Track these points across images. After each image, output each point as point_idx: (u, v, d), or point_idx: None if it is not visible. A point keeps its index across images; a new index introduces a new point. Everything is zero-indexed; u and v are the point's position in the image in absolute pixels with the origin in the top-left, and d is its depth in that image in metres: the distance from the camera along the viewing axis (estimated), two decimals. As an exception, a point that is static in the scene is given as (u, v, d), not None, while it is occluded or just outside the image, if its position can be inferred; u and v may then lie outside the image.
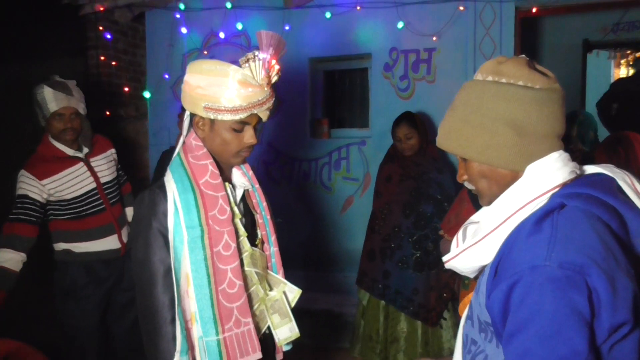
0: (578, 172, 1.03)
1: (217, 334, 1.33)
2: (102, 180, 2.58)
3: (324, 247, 4.20)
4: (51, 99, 2.39)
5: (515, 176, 1.05)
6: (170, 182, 1.38)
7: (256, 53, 1.39)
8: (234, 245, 1.38)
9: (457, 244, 1.17)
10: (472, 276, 1.16)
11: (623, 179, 1.03)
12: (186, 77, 1.42)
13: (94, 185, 2.54)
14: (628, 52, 6.14)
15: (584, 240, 0.90)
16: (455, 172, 2.56)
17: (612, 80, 6.05)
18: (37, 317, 3.63)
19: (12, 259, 2.32)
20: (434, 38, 3.76)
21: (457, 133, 1.08)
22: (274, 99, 1.46)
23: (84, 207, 2.51)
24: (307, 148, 4.27)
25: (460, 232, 1.18)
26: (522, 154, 1.02)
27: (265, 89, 1.41)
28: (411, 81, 3.90)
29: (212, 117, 1.38)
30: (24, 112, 5.95)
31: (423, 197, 2.96)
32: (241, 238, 1.44)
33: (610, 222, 0.95)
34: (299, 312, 3.74)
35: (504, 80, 1.03)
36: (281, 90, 4.28)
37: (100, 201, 2.56)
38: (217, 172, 1.41)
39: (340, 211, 4.17)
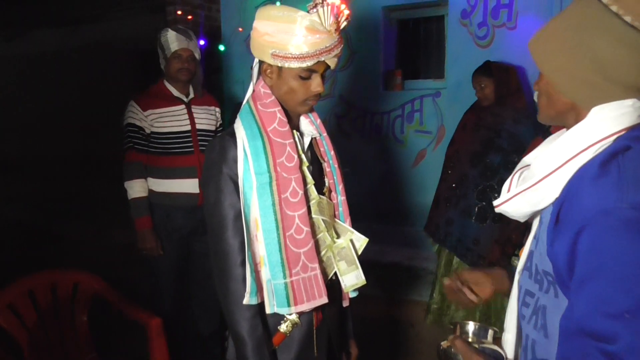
0: None
1: (284, 277, 1.36)
2: (198, 127, 2.75)
3: (394, 201, 4.18)
4: (173, 40, 2.65)
5: (574, 109, 0.99)
6: (239, 129, 1.40)
7: None
8: (301, 192, 1.39)
9: (509, 188, 1.12)
10: (522, 221, 1.13)
11: None
12: (255, 24, 1.42)
13: (188, 128, 2.72)
14: None
15: None
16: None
17: None
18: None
19: (139, 187, 2.67)
20: (517, -20, 3.52)
21: (545, 42, 1.01)
22: (342, 45, 1.42)
23: (174, 145, 2.70)
24: (380, 100, 4.20)
25: (515, 176, 1.13)
26: (594, 94, 0.94)
27: (334, 35, 1.37)
28: (490, 28, 3.70)
29: (279, 65, 1.37)
30: (113, 65, 6.26)
31: (493, 147, 2.92)
32: (308, 186, 1.45)
33: None
34: (368, 263, 3.78)
35: (617, 10, 0.90)
36: (353, 41, 4.20)
37: (191, 144, 2.72)
38: (285, 119, 1.42)
39: (412, 165, 4.12)
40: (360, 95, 4.25)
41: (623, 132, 0.93)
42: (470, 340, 1.19)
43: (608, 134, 0.93)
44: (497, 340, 1.21)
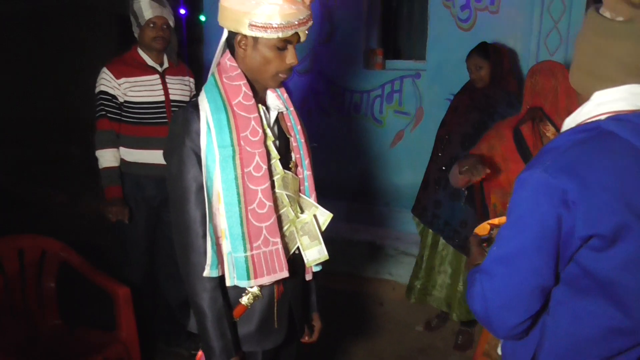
0: None
1: (245, 250, 1.37)
2: (172, 98, 2.71)
3: (371, 180, 4.21)
4: (147, 7, 2.58)
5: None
6: (203, 101, 1.39)
7: None
8: (265, 166, 1.39)
9: None
10: None
11: None
12: None
13: (162, 98, 2.69)
14: None
15: (590, 162, 0.99)
16: None
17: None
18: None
19: (111, 157, 2.63)
20: (500, -36, 3.51)
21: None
22: (312, 20, 1.43)
23: (147, 115, 2.66)
24: (360, 79, 4.19)
25: None
26: (596, 81, 1.07)
27: (307, 7, 1.38)
28: (473, 11, 3.70)
29: (257, 35, 1.35)
30: (88, 28, 6.11)
31: (484, 130, 2.88)
32: (273, 160, 1.45)
33: None
34: (341, 241, 3.81)
35: (600, 12, 1.08)
36: (335, 17, 4.17)
37: (164, 114, 2.69)
38: (250, 93, 1.41)
39: (390, 145, 4.13)
40: (341, 73, 4.24)
41: (610, 115, 1.03)
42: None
43: (595, 114, 1.05)
44: None
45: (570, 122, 1.11)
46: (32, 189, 5.28)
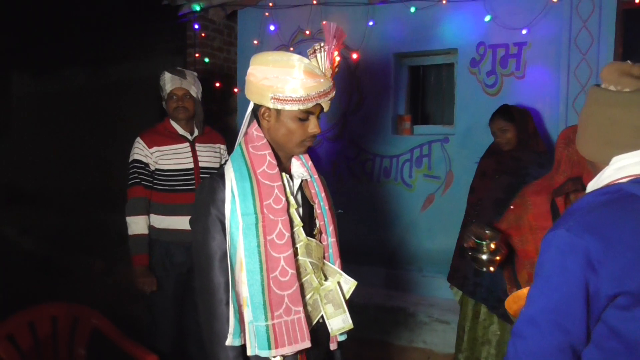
0: None
1: (266, 319, 1.36)
2: (201, 165, 2.80)
3: (402, 245, 4.16)
4: (168, 81, 2.77)
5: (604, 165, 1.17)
6: (229, 170, 1.44)
7: (322, 44, 1.42)
8: (287, 234, 1.41)
9: None
10: None
11: None
12: (251, 69, 1.46)
13: (191, 165, 2.77)
14: None
15: (614, 223, 1.03)
16: None
17: None
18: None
19: (142, 224, 2.69)
20: (524, 31, 3.57)
21: (578, 133, 1.26)
22: (335, 90, 1.47)
23: (177, 182, 2.74)
24: (389, 144, 4.23)
25: None
26: (607, 147, 1.14)
27: (329, 79, 1.43)
28: (499, 77, 3.75)
29: (278, 108, 1.41)
30: (135, 103, 6.47)
31: (517, 193, 2.83)
32: (296, 228, 1.47)
33: None
34: (373, 307, 3.73)
35: (602, 85, 1.18)
36: (364, 85, 4.29)
37: (193, 182, 2.76)
38: (274, 162, 1.45)
39: (421, 209, 4.10)
40: (370, 139, 4.30)
41: (633, 178, 1.09)
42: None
43: (616, 178, 1.11)
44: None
45: (593, 186, 1.16)
46: (71, 257, 5.41)
